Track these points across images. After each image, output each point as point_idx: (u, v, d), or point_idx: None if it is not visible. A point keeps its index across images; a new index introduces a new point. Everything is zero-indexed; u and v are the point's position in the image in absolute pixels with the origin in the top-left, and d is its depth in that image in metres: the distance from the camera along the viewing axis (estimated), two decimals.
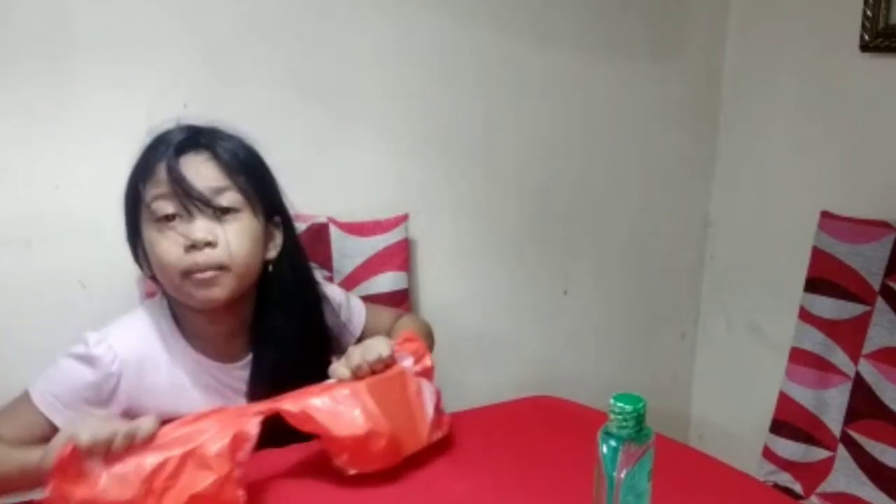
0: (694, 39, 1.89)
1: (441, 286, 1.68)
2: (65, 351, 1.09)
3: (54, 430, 1.03)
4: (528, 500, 1.01)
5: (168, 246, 1.04)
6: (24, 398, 1.07)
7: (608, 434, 0.80)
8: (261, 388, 1.09)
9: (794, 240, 1.71)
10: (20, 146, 1.28)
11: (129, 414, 1.06)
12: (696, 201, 1.99)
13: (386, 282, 1.52)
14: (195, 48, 1.38)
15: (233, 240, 1.05)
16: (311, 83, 1.49)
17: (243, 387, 1.14)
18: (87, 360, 1.07)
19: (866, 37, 1.60)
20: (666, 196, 1.94)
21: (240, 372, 1.14)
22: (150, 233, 1.06)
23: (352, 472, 1.01)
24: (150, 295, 1.30)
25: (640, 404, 0.80)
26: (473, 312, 1.75)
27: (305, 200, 1.44)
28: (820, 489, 1.53)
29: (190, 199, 1.03)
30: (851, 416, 1.52)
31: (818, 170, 1.75)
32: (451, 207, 1.68)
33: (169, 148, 1.04)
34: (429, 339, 1.33)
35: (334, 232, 1.49)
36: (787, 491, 1.55)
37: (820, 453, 1.56)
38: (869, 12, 1.59)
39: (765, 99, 1.85)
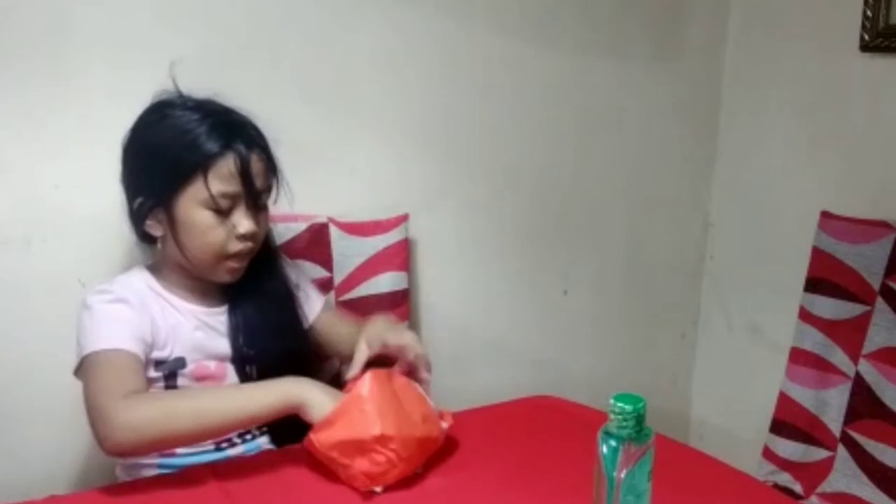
0: (694, 39, 1.89)
1: (441, 286, 1.68)
2: (90, 310, 1.12)
3: (139, 362, 1.09)
4: (528, 499, 1.01)
5: (220, 234, 1.13)
6: (93, 361, 1.07)
7: (608, 434, 0.80)
8: (239, 328, 1.21)
9: (794, 240, 1.71)
10: (20, 146, 1.28)
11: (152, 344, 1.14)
12: (696, 201, 1.99)
13: (386, 282, 1.52)
14: (195, 48, 1.37)
15: (262, 231, 1.19)
16: (311, 83, 1.49)
17: (225, 330, 1.22)
18: (116, 299, 1.13)
19: (866, 37, 1.60)
20: (666, 196, 1.94)
21: (221, 317, 1.22)
22: (199, 215, 1.12)
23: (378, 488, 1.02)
24: None
25: (640, 404, 0.80)
26: (473, 312, 1.75)
27: (305, 200, 1.44)
28: (820, 489, 1.53)
29: (250, 197, 1.14)
30: (851, 416, 1.52)
31: (818, 170, 1.75)
32: (451, 207, 1.68)
33: (231, 144, 1.12)
34: None
35: (334, 232, 1.49)
36: (787, 491, 1.55)
37: (820, 453, 1.56)
38: (869, 12, 1.59)
39: (765, 99, 1.86)
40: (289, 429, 1.14)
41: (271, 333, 1.22)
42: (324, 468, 1.04)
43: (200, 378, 1.18)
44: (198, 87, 1.28)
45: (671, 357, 2.06)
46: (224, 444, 1.18)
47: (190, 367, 1.17)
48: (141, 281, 1.20)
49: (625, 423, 0.79)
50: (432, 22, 1.57)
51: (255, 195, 1.15)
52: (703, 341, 2.06)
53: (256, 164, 1.14)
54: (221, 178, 1.11)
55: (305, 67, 1.48)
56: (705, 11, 1.89)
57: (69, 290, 1.31)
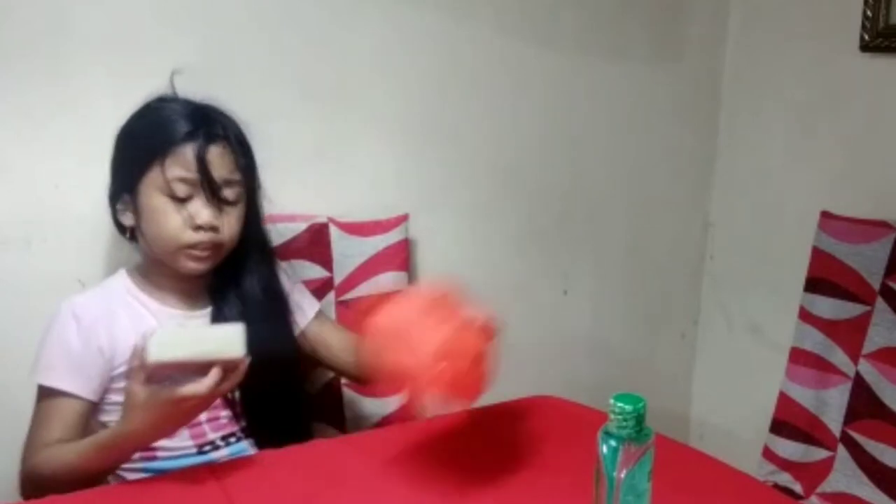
0: (694, 40, 1.89)
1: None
2: (53, 320, 1.15)
3: (83, 405, 1.12)
4: (529, 500, 1.01)
5: (176, 220, 1.12)
6: (39, 396, 1.13)
7: (608, 434, 0.80)
8: None
9: (794, 240, 1.71)
10: (20, 146, 1.28)
11: (109, 372, 1.15)
12: (696, 201, 1.99)
13: (386, 282, 1.52)
14: (195, 48, 1.38)
15: (231, 225, 1.16)
16: (311, 83, 1.49)
17: None
18: (62, 324, 1.14)
19: (866, 37, 1.60)
20: (666, 196, 1.94)
21: (203, 319, 1.21)
22: (156, 201, 1.12)
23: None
24: None
25: (640, 404, 0.80)
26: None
27: (305, 200, 1.44)
28: (820, 489, 1.53)
29: (208, 187, 1.12)
30: (851, 416, 1.52)
31: (818, 170, 1.75)
32: (451, 207, 1.68)
33: (194, 133, 1.12)
34: None
35: (334, 232, 1.49)
36: (787, 491, 1.55)
37: (820, 453, 1.56)
38: (869, 12, 1.59)
39: (765, 99, 1.86)
40: (272, 432, 1.17)
41: (255, 337, 1.13)
42: (324, 468, 1.04)
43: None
44: (197, 86, 1.28)
45: (671, 357, 2.06)
46: (207, 448, 1.18)
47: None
48: (120, 285, 1.20)
49: (625, 423, 0.79)
50: (432, 22, 1.57)
51: (214, 186, 1.12)
52: (703, 341, 2.06)
53: (218, 156, 1.13)
54: (178, 164, 1.11)
55: (306, 67, 1.48)
56: (705, 11, 1.89)
57: (69, 290, 1.31)
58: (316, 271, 1.47)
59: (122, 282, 1.21)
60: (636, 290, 1.95)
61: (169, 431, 1.03)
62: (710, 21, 1.90)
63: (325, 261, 1.48)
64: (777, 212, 1.85)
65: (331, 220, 1.49)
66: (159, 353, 0.94)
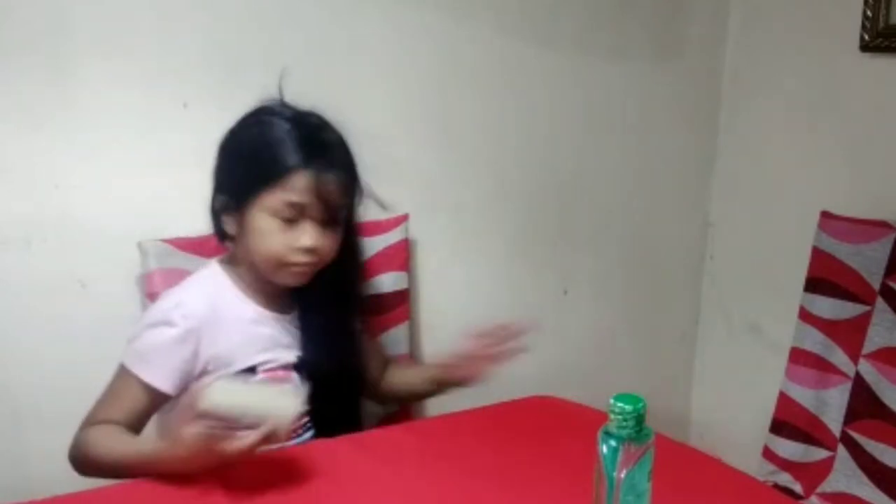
0: (694, 39, 1.89)
1: (441, 286, 1.68)
2: (144, 321, 1.17)
3: (159, 395, 1.13)
4: (529, 500, 1.01)
5: (281, 240, 1.15)
6: (120, 373, 1.14)
7: (608, 434, 0.80)
8: (310, 338, 1.24)
9: (794, 240, 1.71)
10: (20, 146, 1.28)
11: (208, 372, 1.16)
12: (696, 201, 1.99)
13: (386, 282, 1.52)
14: (195, 47, 1.38)
15: (330, 246, 1.19)
16: (311, 83, 1.49)
17: (296, 340, 1.24)
18: (169, 322, 1.15)
19: (866, 37, 1.60)
20: (666, 196, 1.94)
21: (290, 326, 1.24)
22: (265, 220, 1.15)
23: None
24: (150, 296, 1.30)
25: (640, 404, 0.80)
26: (473, 312, 1.75)
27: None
28: (820, 489, 1.53)
29: (321, 214, 1.16)
30: (851, 416, 1.52)
31: (818, 170, 1.75)
32: (451, 207, 1.68)
33: (311, 161, 1.14)
34: None
35: None
36: (787, 491, 1.55)
37: (820, 453, 1.56)
38: (869, 12, 1.59)
39: (765, 99, 1.86)
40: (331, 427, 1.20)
41: (335, 345, 1.24)
42: (325, 468, 1.04)
43: (272, 381, 1.20)
44: (197, 86, 1.29)
45: (671, 357, 2.06)
46: None
47: (260, 376, 1.19)
48: (219, 284, 1.21)
49: (625, 423, 0.79)
50: (432, 22, 1.57)
51: (324, 212, 1.16)
52: (703, 341, 2.06)
53: (331, 184, 1.15)
54: (291, 190, 1.13)
55: (305, 67, 1.48)
56: (705, 11, 1.89)
57: (69, 290, 1.32)
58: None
59: (220, 279, 1.22)
60: (636, 290, 1.95)
61: (196, 471, 1.03)
62: (710, 21, 1.90)
63: None
64: (777, 212, 1.85)
65: None
66: (215, 401, 0.96)
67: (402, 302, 1.54)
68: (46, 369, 1.30)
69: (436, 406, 1.65)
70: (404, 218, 1.55)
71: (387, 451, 1.13)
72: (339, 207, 1.18)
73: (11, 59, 1.25)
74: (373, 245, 1.51)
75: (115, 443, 1.09)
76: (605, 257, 1.89)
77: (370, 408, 1.51)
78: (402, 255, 1.54)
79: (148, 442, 1.11)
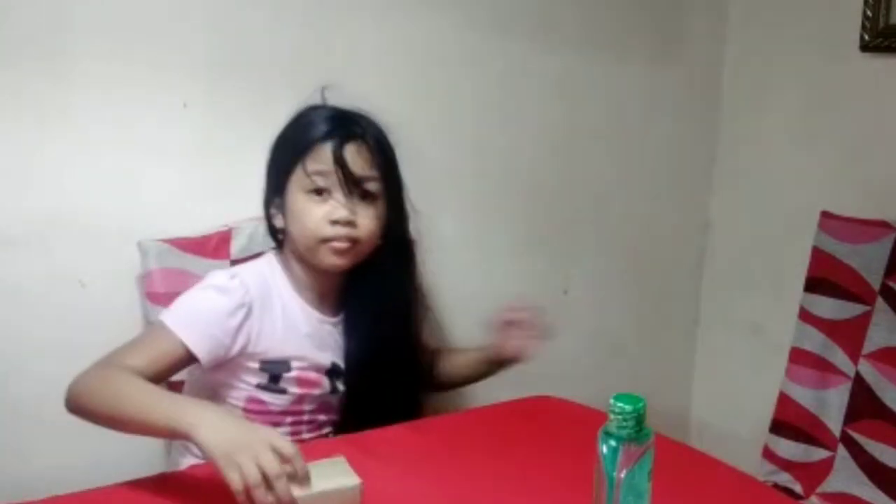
0: (694, 39, 1.89)
1: (441, 286, 1.68)
2: (201, 283, 1.17)
3: (187, 356, 1.10)
4: (529, 500, 1.01)
5: (316, 214, 1.16)
6: (157, 326, 1.13)
7: (608, 434, 0.80)
8: (354, 344, 1.24)
9: (794, 240, 1.71)
10: (20, 146, 1.28)
11: (244, 353, 1.16)
12: (696, 201, 1.99)
13: None
14: (195, 47, 1.38)
15: (368, 222, 1.19)
16: (311, 83, 1.49)
17: (339, 342, 1.25)
18: (224, 290, 1.15)
19: (866, 37, 1.60)
20: (666, 196, 1.94)
21: (334, 328, 1.25)
22: (299, 198, 1.17)
23: None
24: (149, 295, 1.31)
25: (640, 404, 0.80)
26: (473, 312, 1.75)
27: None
28: (820, 489, 1.53)
29: (345, 182, 1.16)
30: (851, 416, 1.52)
31: (818, 169, 1.75)
32: (452, 207, 1.67)
33: (333, 132, 1.17)
34: None
35: None
36: (787, 491, 1.55)
37: (820, 453, 1.56)
38: (869, 12, 1.59)
39: (765, 99, 1.86)
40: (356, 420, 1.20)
41: (379, 352, 1.24)
42: None
43: (303, 383, 1.20)
44: (197, 85, 1.29)
45: (671, 357, 2.06)
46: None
47: (294, 373, 1.19)
48: (274, 271, 1.22)
49: (625, 423, 0.79)
50: (432, 22, 1.57)
51: (351, 182, 1.16)
52: (703, 341, 2.06)
53: (355, 152, 1.17)
54: (317, 159, 1.16)
55: (305, 67, 1.48)
56: (705, 11, 1.89)
57: (69, 290, 1.32)
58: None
59: (275, 268, 1.23)
60: (636, 289, 1.95)
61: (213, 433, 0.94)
62: (710, 21, 1.90)
63: None
64: (777, 212, 1.85)
65: None
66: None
67: None
68: (46, 369, 1.30)
69: (436, 406, 1.65)
70: None
71: (387, 451, 1.13)
72: (367, 179, 1.18)
73: (11, 59, 1.25)
74: None
75: (139, 381, 1.02)
76: (605, 257, 1.89)
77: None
78: None
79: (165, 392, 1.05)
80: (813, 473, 1.55)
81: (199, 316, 1.13)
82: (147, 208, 1.36)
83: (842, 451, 1.52)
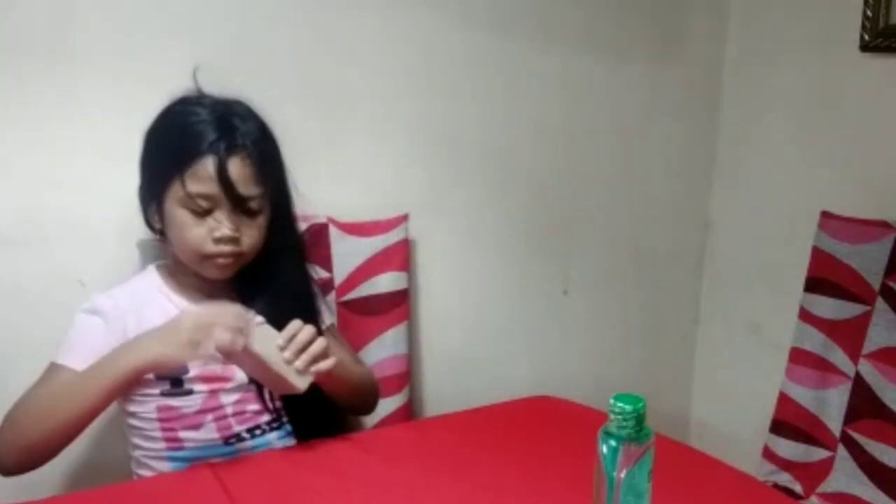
0: (694, 39, 1.89)
1: (441, 286, 1.68)
2: (74, 319, 1.17)
3: None
4: (529, 500, 1.01)
5: (198, 232, 1.13)
6: (50, 368, 1.13)
7: (608, 434, 0.80)
8: None
9: (794, 240, 1.71)
10: (20, 146, 1.28)
11: None
12: (696, 201, 1.99)
13: (386, 282, 1.52)
14: (195, 47, 1.37)
15: (252, 236, 1.17)
16: (311, 83, 1.49)
17: None
18: (94, 311, 1.17)
19: (866, 37, 1.60)
20: (666, 196, 1.94)
21: None
22: (179, 213, 1.13)
23: None
24: None
25: (640, 404, 0.80)
26: (473, 312, 1.75)
27: (305, 200, 1.44)
28: (820, 489, 1.53)
29: (228, 202, 1.13)
30: (851, 416, 1.52)
31: (818, 169, 1.75)
32: (451, 207, 1.68)
33: (215, 144, 1.11)
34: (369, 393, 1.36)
35: (334, 232, 1.49)
36: (787, 491, 1.55)
37: (820, 453, 1.56)
38: (869, 12, 1.59)
39: (765, 99, 1.85)
40: (312, 422, 1.19)
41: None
42: (325, 467, 1.04)
43: (208, 380, 1.17)
44: (196, 86, 1.28)
45: (671, 357, 2.06)
46: (232, 440, 1.18)
47: (194, 372, 1.16)
48: (150, 283, 1.22)
49: (625, 423, 0.79)
50: (432, 22, 1.57)
51: (236, 200, 1.13)
52: (703, 341, 2.06)
53: (240, 169, 1.13)
54: (197, 179, 1.11)
55: (306, 67, 1.48)
56: (705, 11, 1.89)
57: (69, 290, 1.32)
58: (315, 272, 1.46)
59: (152, 279, 1.22)
60: (636, 289, 1.95)
61: (170, 356, 1.06)
62: (710, 21, 1.90)
63: (325, 261, 1.48)
64: (777, 212, 1.85)
65: (330, 220, 1.49)
66: (257, 343, 1.05)
67: (401, 302, 1.54)
68: None
69: (436, 406, 1.66)
70: (404, 218, 1.55)
71: (387, 451, 1.13)
72: (251, 197, 1.14)
73: (11, 58, 1.26)
74: (373, 245, 1.51)
75: (55, 384, 1.09)
76: (605, 257, 1.89)
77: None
78: (402, 255, 1.54)
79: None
80: (813, 473, 1.55)
81: (77, 339, 1.14)
82: None
83: (842, 451, 1.52)
